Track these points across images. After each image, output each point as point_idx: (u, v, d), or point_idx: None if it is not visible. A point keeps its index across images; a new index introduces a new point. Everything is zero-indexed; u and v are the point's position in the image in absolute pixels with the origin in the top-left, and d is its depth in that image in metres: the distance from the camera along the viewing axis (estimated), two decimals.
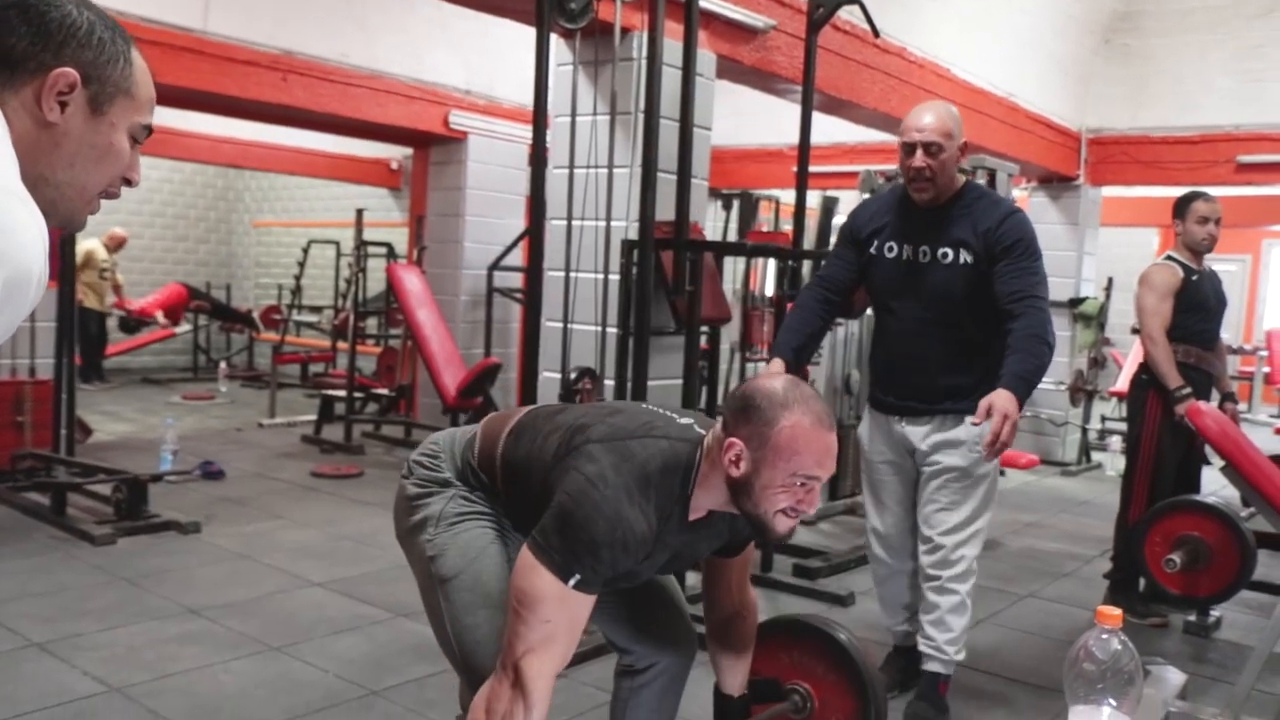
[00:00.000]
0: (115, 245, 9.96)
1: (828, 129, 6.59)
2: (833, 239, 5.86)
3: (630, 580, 1.88)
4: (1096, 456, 8.19)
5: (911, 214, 2.96)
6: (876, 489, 3.16)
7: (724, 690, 2.22)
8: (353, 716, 2.94)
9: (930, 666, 3.01)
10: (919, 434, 2.99)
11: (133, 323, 10.26)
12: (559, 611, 1.65)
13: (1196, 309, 4.05)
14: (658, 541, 1.76)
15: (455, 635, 1.89)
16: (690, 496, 1.77)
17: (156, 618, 3.66)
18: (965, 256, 2.85)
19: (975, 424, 2.70)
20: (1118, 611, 1.59)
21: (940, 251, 2.88)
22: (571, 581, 1.65)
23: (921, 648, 3.02)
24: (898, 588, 3.20)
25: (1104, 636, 1.56)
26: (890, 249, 2.97)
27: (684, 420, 1.87)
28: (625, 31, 3.81)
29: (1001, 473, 7.38)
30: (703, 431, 1.83)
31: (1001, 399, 2.61)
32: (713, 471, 1.76)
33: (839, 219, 5.98)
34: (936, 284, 2.90)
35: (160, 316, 10.61)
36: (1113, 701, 1.49)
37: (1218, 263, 4.31)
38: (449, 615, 1.89)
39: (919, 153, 2.82)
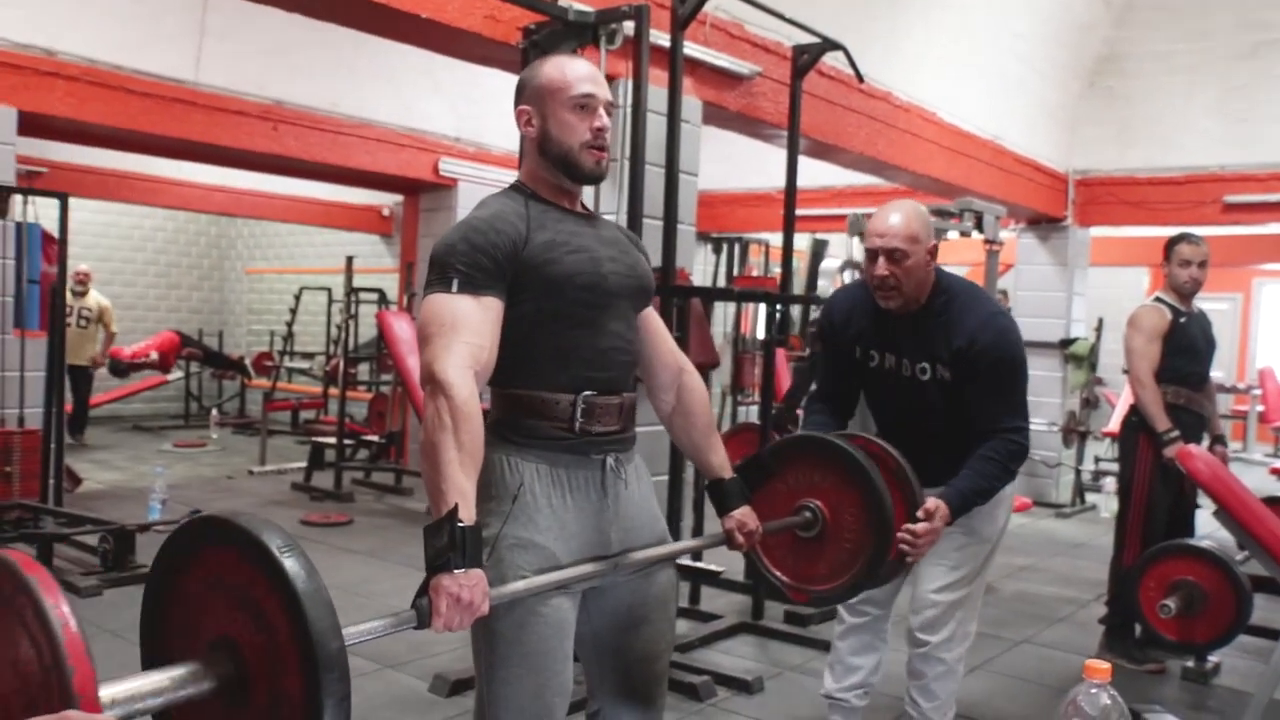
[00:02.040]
0: (80, 283, 9.07)
1: (815, 173, 6.63)
2: (820, 282, 5.89)
3: (565, 248, 1.86)
4: (1090, 498, 8.15)
5: (885, 320, 2.73)
6: None
7: (714, 475, 2.15)
8: None
9: None
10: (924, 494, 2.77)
11: (124, 367, 10.19)
12: (455, 314, 1.73)
13: (1185, 351, 4.05)
14: (549, 226, 1.86)
15: (486, 682, 1.85)
16: (534, 192, 1.92)
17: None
18: (942, 372, 2.65)
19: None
20: (1106, 665, 1.57)
21: (919, 366, 2.68)
22: (453, 286, 1.75)
23: (909, 709, 2.84)
24: (862, 642, 2.93)
25: (1093, 691, 1.54)
26: (873, 357, 2.77)
27: None
28: (611, 79, 3.83)
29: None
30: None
31: (926, 518, 2.45)
32: (530, 160, 1.93)
33: (829, 261, 6.01)
34: (916, 396, 2.71)
35: (154, 355, 10.50)
36: None
37: (1208, 302, 4.32)
38: (485, 652, 1.85)
39: (881, 260, 2.57)
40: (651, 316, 2.09)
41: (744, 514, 2.14)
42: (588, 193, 3.75)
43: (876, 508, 2.24)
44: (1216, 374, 4.50)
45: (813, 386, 3.23)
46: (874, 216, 2.63)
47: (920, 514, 2.45)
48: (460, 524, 1.55)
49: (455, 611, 1.54)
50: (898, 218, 2.57)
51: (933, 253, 2.60)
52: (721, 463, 2.15)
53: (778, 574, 2.38)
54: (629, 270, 1.97)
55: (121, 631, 4.03)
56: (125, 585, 4.61)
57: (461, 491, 1.59)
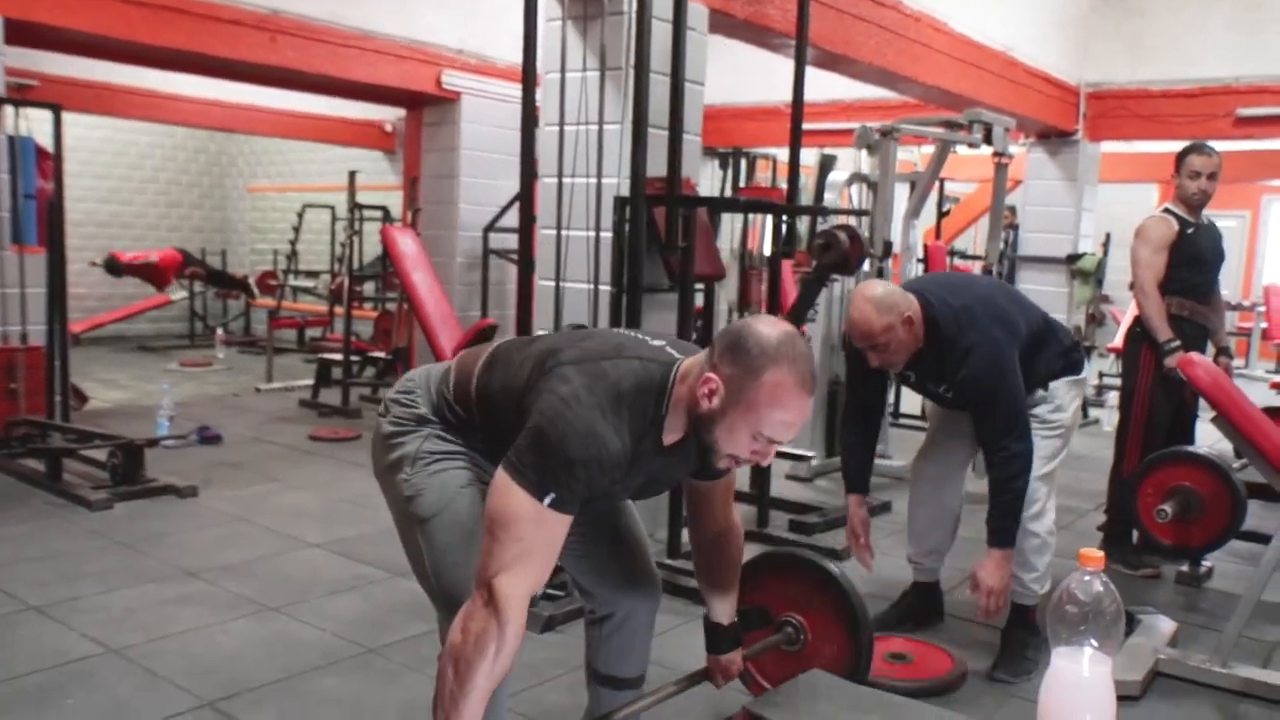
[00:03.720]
0: None
1: (825, 85, 6.53)
2: (826, 195, 5.84)
3: (605, 500, 1.91)
4: (1094, 412, 8.19)
5: None
6: (932, 416, 3.40)
7: (714, 619, 2.24)
8: (349, 674, 2.96)
9: (1020, 601, 3.18)
10: None
11: (120, 266, 10.08)
12: (534, 531, 1.65)
13: (1192, 262, 4.03)
14: (633, 463, 1.76)
15: (435, 573, 1.91)
16: (664, 418, 1.78)
17: (154, 580, 3.67)
18: (949, 392, 3.08)
19: (969, 594, 3.04)
20: (1100, 554, 1.60)
21: (941, 387, 3.10)
22: (547, 500, 1.65)
23: (1013, 585, 3.13)
24: (931, 512, 3.37)
25: (1086, 579, 1.57)
26: (907, 376, 3.17)
27: (656, 343, 1.87)
28: None
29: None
30: (675, 354, 1.83)
31: (988, 574, 2.91)
32: (685, 397, 1.76)
33: (835, 174, 5.95)
34: (947, 404, 3.20)
35: (154, 258, 10.38)
36: (1094, 642, 1.50)
37: (1216, 218, 4.28)
38: (429, 554, 1.91)
39: (871, 355, 2.96)
40: (713, 488, 2.11)
41: (732, 659, 2.27)
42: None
43: (856, 629, 2.34)
44: (1224, 291, 4.49)
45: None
46: (849, 319, 2.95)
47: (971, 582, 2.97)
48: None
49: None
50: (869, 322, 2.87)
51: (908, 322, 2.90)
52: (727, 610, 2.24)
53: (761, 681, 2.49)
54: (667, 479, 1.99)
55: (132, 543, 4.10)
56: (136, 499, 4.68)
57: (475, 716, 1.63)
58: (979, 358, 2.92)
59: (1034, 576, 3.15)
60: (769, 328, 1.72)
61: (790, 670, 2.36)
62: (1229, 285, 11.84)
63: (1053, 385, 3.12)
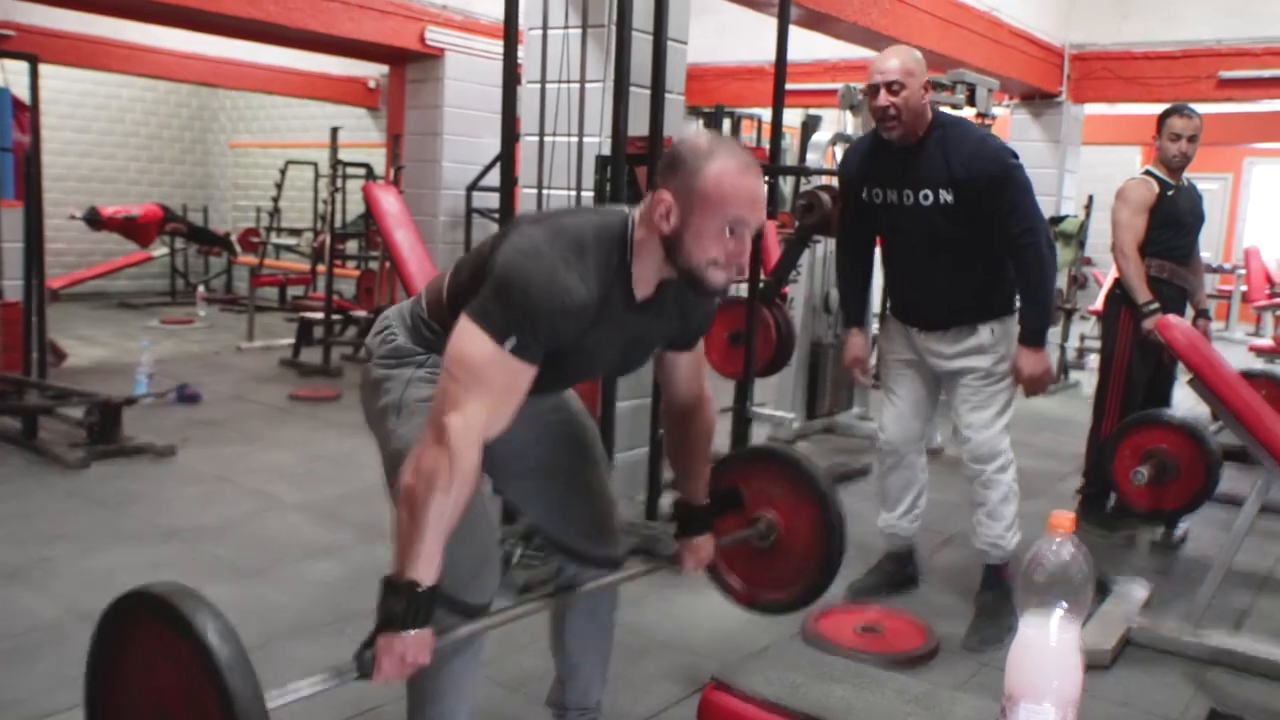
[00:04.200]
0: None
1: (809, 46, 6.48)
2: (809, 155, 5.81)
3: (584, 364, 1.88)
4: (1075, 375, 8.24)
5: (887, 157, 3.09)
6: (893, 383, 3.36)
7: (685, 499, 2.22)
8: (325, 640, 2.94)
9: (991, 559, 3.25)
10: (938, 341, 3.19)
11: (99, 219, 9.94)
12: (493, 373, 1.64)
13: (1171, 224, 4.04)
14: (605, 317, 1.76)
15: None
16: (631, 267, 1.78)
17: (130, 542, 3.66)
18: (945, 196, 2.98)
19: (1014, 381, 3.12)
20: (1070, 516, 1.60)
21: (921, 194, 3.02)
22: (508, 345, 1.64)
23: (978, 544, 3.26)
24: (901, 480, 3.39)
25: (1056, 544, 1.57)
26: (878, 194, 3.12)
27: (613, 207, 1.90)
28: None
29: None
30: (630, 210, 1.84)
31: (1025, 362, 3.05)
32: (648, 236, 1.77)
33: (819, 135, 5.91)
34: (922, 224, 3.05)
35: (136, 212, 10.25)
36: (1063, 604, 1.51)
37: (1198, 181, 4.29)
38: None
39: (883, 92, 2.94)
40: (683, 357, 2.07)
41: (702, 543, 2.21)
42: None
43: (829, 524, 2.28)
44: (1204, 254, 4.50)
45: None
46: (874, 60, 3.00)
47: (1013, 370, 3.09)
48: (422, 591, 1.60)
49: (397, 669, 1.61)
50: (895, 58, 2.96)
51: (927, 88, 2.97)
52: (698, 490, 2.20)
53: (729, 578, 2.43)
54: (639, 352, 1.97)
55: (109, 502, 4.09)
56: (113, 458, 4.65)
57: (431, 560, 1.61)
58: (988, 149, 2.99)
59: (1005, 525, 3.22)
60: (696, 136, 1.79)
61: (759, 567, 2.36)
62: (1210, 248, 11.88)
63: (996, 329, 3.13)
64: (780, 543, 2.33)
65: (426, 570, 1.60)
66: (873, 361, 3.98)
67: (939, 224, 3.01)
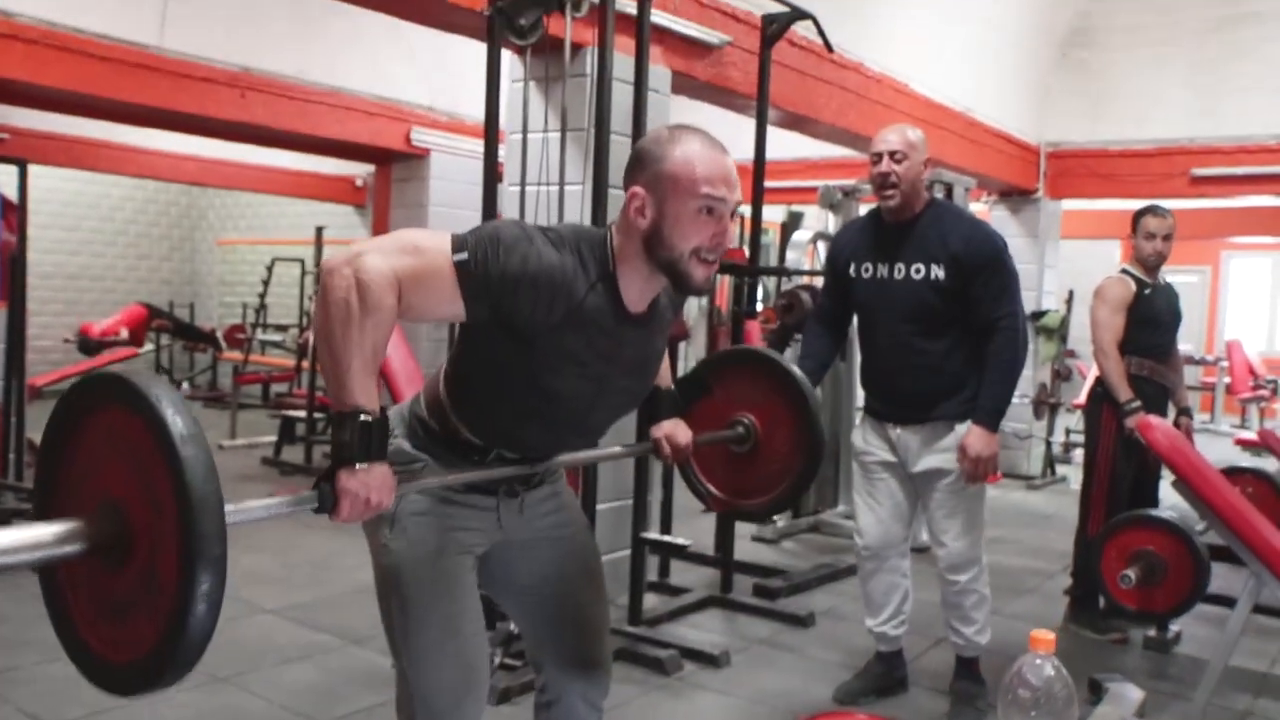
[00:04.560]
0: None
1: (791, 144, 6.60)
2: (789, 254, 5.87)
3: (580, 371, 1.75)
4: (1061, 469, 8.22)
5: (882, 233, 3.16)
6: (870, 486, 3.32)
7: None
8: None
9: (963, 654, 3.31)
10: (913, 440, 3.18)
11: (93, 344, 10.02)
12: (427, 260, 1.56)
13: (1149, 323, 4.06)
14: (594, 327, 1.70)
15: (402, 640, 1.84)
16: (615, 276, 1.72)
17: None
18: (936, 271, 3.03)
19: (995, 479, 2.94)
20: (1051, 636, 1.57)
21: (913, 267, 3.07)
22: (458, 256, 1.58)
23: (952, 639, 3.31)
24: (884, 585, 3.35)
25: (1037, 662, 1.53)
26: (866, 269, 3.18)
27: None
28: (577, 47, 3.78)
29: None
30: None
31: (974, 441, 3.00)
32: (628, 243, 1.72)
33: (800, 234, 5.99)
34: (909, 299, 3.09)
35: (124, 333, 10.34)
36: None
37: (1178, 274, 4.35)
38: (399, 625, 1.84)
39: (885, 159, 3.05)
40: None
41: (674, 425, 2.14)
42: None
43: (808, 427, 2.24)
44: (1185, 346, 4.53)
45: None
46: (879, 132, 3.14)
47: (959, 451, 3.02)
48: (364, 418, 1.51)
49: (357, 508, 1.53)
50: (897, 131, 3.11)
51: (927, 164, 3.10)
52: (663, 378, 2.12)
53: (707, 484, 2.40)
54: (638, 377, 1.90)
55: None
56: None
57: (365, 389, 1.51)
58: (985, 232, 3.11)
59: (975, 629, 3.26)
60: (656, 129, 1.78)
61: (736, 472, 2.32)
62: (1191, 340, 11.99)
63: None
64: (758, 447, 2.28)
65: (364, 398, 1.50)
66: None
67: (927, 299, 3.05)
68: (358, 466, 1.50)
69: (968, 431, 3.02)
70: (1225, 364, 11.45)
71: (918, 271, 3.05)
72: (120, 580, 1.34)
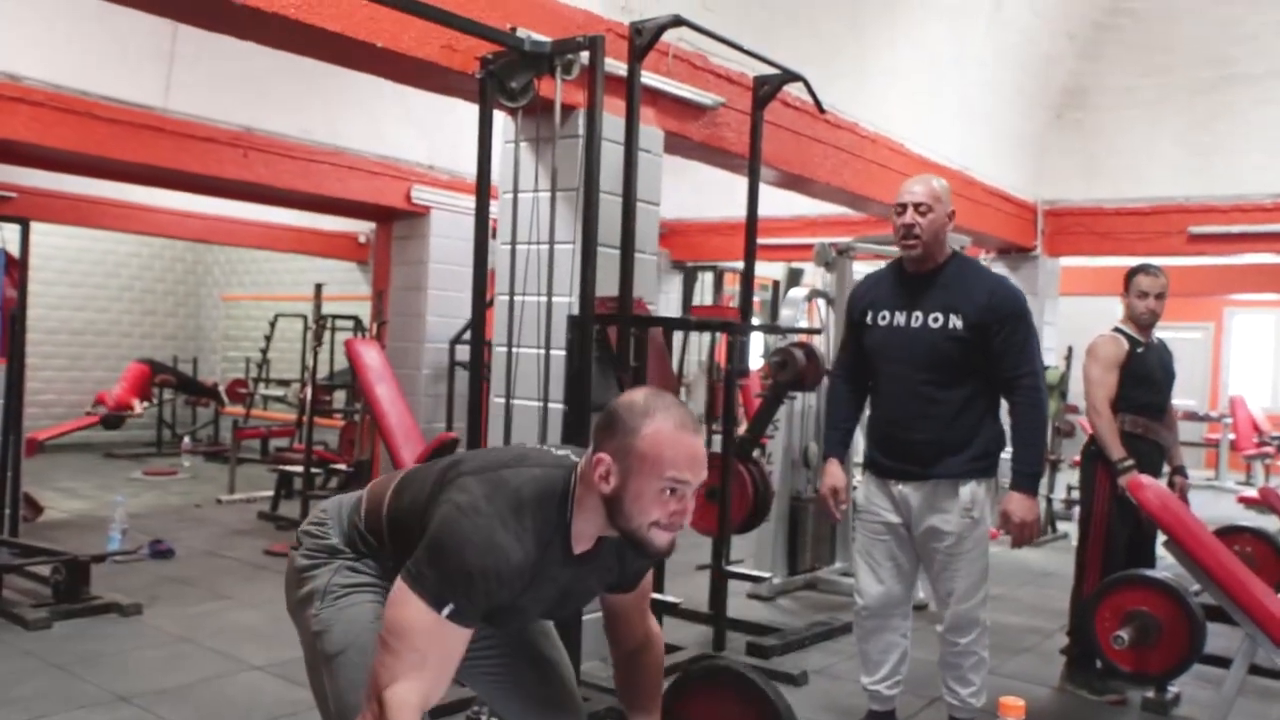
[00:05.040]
0: None
1: (788, 202, 6.66)
2: (784, 311, 5.89)
3: (518, 618, 1.85)
4: (1062, 526, 8.15)
5: (903, 282, 3.20)
6: (870, 547, 3.30)
7: None
8: None
9: (957, 715, 3.26)
10: (916, 498, 3.16)
11: (114, 419, 10.10)
12: (430, 643, 1.62)
13: (1142, 381, 4.06)
14: (541, 574, 1.74)
15: (338, 712, 1.84)
16: (570, 524, 1.75)
17: (84, 706, 3.54)
18: (955, 321, 3.05)
19: (994, 535, 3.11)
20: (1020, 703, 1.56)
21: (931, 316, 3.10)
22: (445, 611, 1.63)
23: (947, 698, 3.27)
24: (882, 644, 3.31)
25: None
26: (883, 317, 3.20)
27: (560, 452, 1.86)
28: (569, 109, 3.84)
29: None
30: (578, 459, 1.81)
31: (1016, 507, 3.06)
32: (588, 494, 1.75)
33: (795, 291, 6.01)
34: (925, 347, 3.10)
35: (138, 405, 10.42)
36: None
37: (1180, 331, 4.38)
38: (333, 691, 1.85)
39: (909, 211, 3.08)
40: (627, 599, 2.05)
41: None
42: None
43: None
44: (1189, 403, 4.55)
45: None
46: (905, 183, 3.18)
47: (1001, 516, 3.07)
48: None
49: None
50: (923, 183, 3.14)
51: (951, 216, 3.12)
52: (648, 709, 2.15)
53: None
54: (585, 592, 1.95)
55: (68, 665, 3.97)
56: (76, 617, 4.54)
57: None
58: (1010, 287, 3.15)
59: (971, 691, 3.23)
60: (633, 393, 1.79)
61: None
62: (1195, 396, 11.95)
63: (978, 493, 3.10)
64: None
65: None
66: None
67: (943, 348, 3.07)
68: None
69: (1007, 498, 3.06)
70: (1229, 420, 11.40)
71: (935, 320, 3.08)
72: None
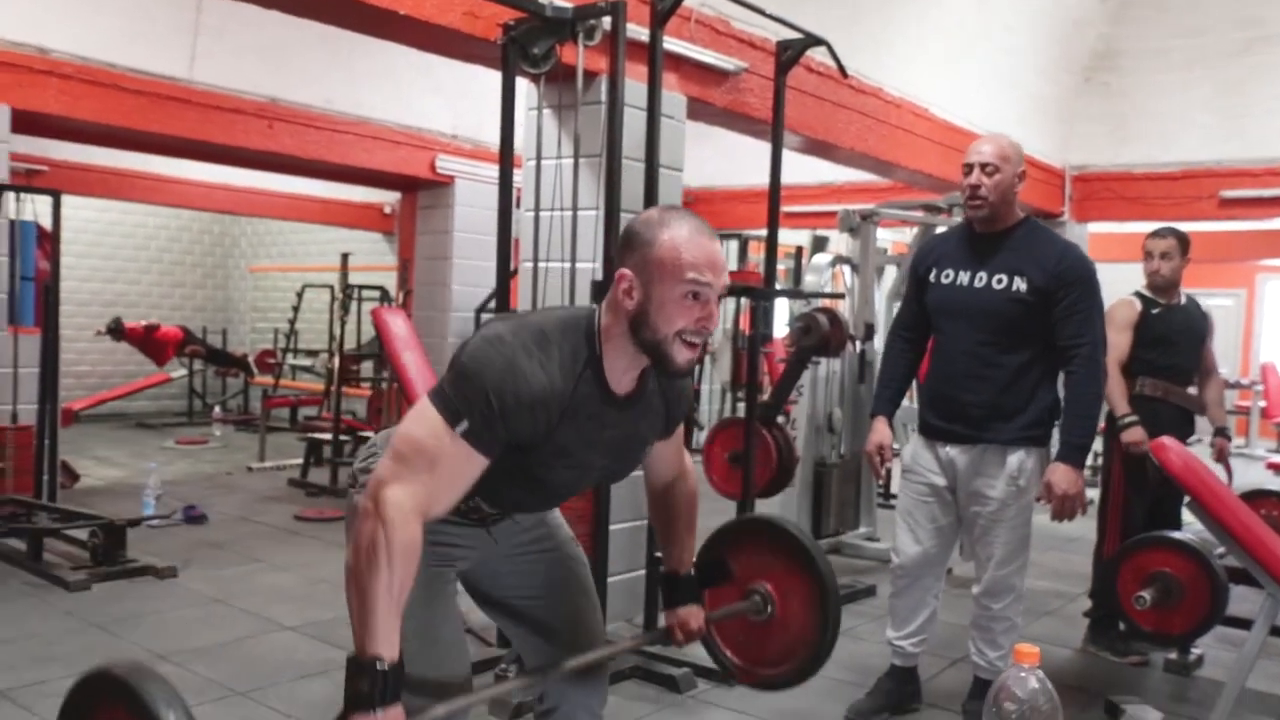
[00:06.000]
0: None
1: (814, 169, 6.64)
2: (807, 277, 5.89)
3: (567, 463, 1.81)
4: (1089, 492, 8.12)
5: (971, 242, 3.17)
6: (913, 508, 3.30)
7: (669, 567, 2.16)
8: None
9: (982, 675, 3.25)
10: (963, 461, 3.15)
11: (122, 330, 10.07)
12: (439, 456, 1.62)
13: (1157, 343, 4.05)
14: (579, 411, 1.74)
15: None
16: (601, 358, 1.76)
17: None
18: (1020, 284, 3.02)
19: (1039, 501, 3.06)
20: (1035, 650, 1.58)
21: (996, 277, 3.07)
22: (460, 428, 1.63)
23: (974, 658, 3.28)
24: (913, 601, 3.33)
25: (1022, 675, 1.55)
26: (947, 275, 3.17)
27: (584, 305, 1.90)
28: (592, 75, 3.84)
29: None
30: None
31: (1060, 478, 3.00)
32: (614, 322, 1.75)
33: (819, 257, 6.01)
34: (989, 308, 3.07)
35: (160, 325, 10.37)
36: None
37: (1212, 298, 4.35)
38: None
39: (975, 172, 3.05)
40: (665, 445, 2.04)
41: (688, 613, 2.15)
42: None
43: (822, 598, 2.19)
44: (1220, 370, 4.51)
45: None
46: (973, 142, 3.15)
47: (1044, 487, 3.02)
48: (384, 668, 1.55)
49: None
50: (992, 142, 3.11)
51: (1021, 176, 3.10)
52: (683, 558, 2.16)
53: (728, 654, 2.34)
54: (616, 458, 1.94)
55: (108, 625, 4.07)
56: (115, 579, 4.65)
57: (388, 637, 1.57)
58: (1080, 253, 3.09)
59: (999, 654, 3.22)
60: (648, 210, 1.80)
61: (757, 642, 2.26)
62: (1226, 363, 11.84)
63: (1027, 463, 3.09)
64: (777, 615, 2.23)
65: (386, 646, 1.56)
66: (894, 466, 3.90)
67: (1004, 310, 3.03)
68: (373, 713, 1.55)
69: (1051, 469, 3.02)
70: (1260, 387, 11.30)
71: (999, 281, 3.04)
72: None
